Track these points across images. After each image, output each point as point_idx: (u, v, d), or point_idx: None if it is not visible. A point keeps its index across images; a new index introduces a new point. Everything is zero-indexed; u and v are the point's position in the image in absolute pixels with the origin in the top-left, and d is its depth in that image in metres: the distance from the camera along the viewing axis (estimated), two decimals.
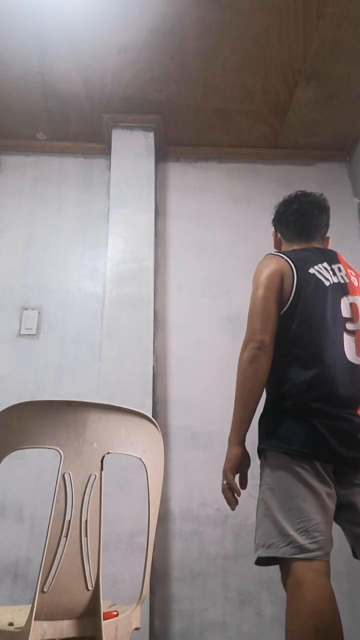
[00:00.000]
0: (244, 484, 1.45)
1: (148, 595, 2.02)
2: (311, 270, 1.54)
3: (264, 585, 2.14)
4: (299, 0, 2.23)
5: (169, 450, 2.34)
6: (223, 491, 1.41)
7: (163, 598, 2.12)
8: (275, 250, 1.72)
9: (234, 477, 1.41)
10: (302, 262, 1.56)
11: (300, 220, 1.73)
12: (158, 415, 2.40)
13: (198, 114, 2.86)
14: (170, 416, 2.42)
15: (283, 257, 1.57)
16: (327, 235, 1.78)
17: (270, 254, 1.65)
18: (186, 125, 2.93)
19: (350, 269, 1.63)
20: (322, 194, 1.79)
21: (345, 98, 2.74)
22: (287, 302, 1.49)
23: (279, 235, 1.80)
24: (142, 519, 1.36)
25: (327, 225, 1.77)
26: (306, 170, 3.10)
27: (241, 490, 1.42)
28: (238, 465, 1.42)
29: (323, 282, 1.53)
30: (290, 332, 1.46)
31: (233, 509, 1.40)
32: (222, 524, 2.24)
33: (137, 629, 1.18)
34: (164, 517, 2.22)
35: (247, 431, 1.43)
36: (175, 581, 2.15)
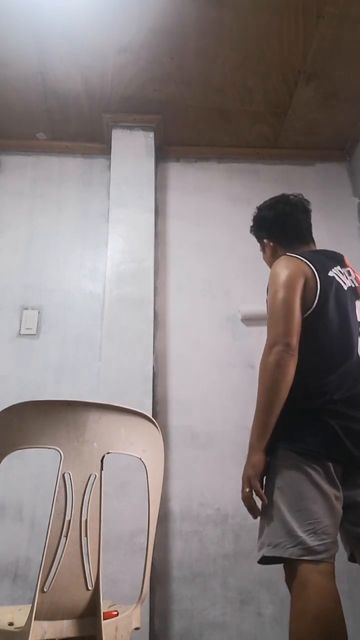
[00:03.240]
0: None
1: (148, 595, 2.02)
2: (330, 274, 1.52)
3: (264, 585, 2.14)
4: (299, 0, 2.23)
5: (169, 450, 2.34)
6: (245, 499, 1.35)
7: (163, 598, 2.12)
8: (288, 253, 1.62)
9: (260, 484, 1.36)
10: (320, 265, 1.53)
11: (294, 224, 1.70)
12: (158, 415, 2.40)
13: (198, 114, 2.86)
14: (170, 416, 2.42)
15: (302, 260, 1.52)
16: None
17: (286, 255, 1.58)
18: (186, 125, 2.93)
19: (355, 272, 1.63)
20: (300, 194, 1.74)
21: (345, 98, 2.74)
22: (312, 305, 1.45)
23: (272, 243, 1.73)
24: (142, 519, 1.36)
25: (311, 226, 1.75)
26: (306, 170, 3.10)
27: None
28: (262, 472, 1.37)
29: (342, 286, 1.52)
30: (314, 335, 1.44)
31: (255, 517, 1.36)
32: (222, 524, 2.24)
33: (137, 628, 1.18)
34: (164, 517, 2.22)
35: (270, 436, 1.39)
36: (175, 581, 2.14)
